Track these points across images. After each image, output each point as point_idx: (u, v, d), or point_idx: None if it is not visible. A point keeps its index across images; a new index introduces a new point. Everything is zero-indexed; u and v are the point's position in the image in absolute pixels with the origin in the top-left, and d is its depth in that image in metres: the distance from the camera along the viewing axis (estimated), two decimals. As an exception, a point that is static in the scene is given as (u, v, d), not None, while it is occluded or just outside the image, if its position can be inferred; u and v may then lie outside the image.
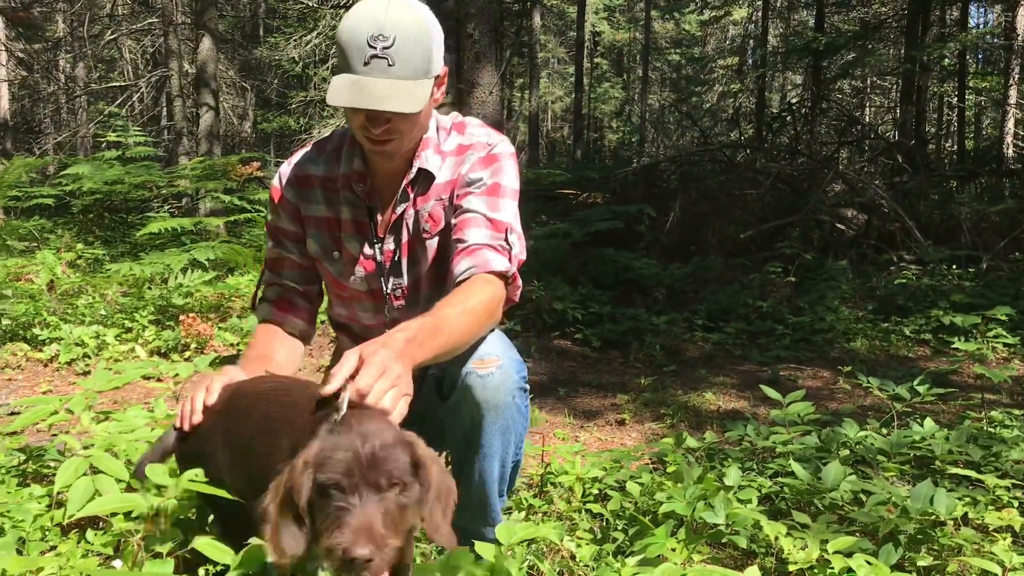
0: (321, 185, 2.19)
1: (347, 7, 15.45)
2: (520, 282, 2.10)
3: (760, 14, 23.33)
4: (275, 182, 2.28)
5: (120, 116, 14.70)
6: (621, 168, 11.08)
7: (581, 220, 7.61)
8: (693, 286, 7.08)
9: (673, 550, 2.10)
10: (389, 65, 1.89)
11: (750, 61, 28.48)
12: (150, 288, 5.61)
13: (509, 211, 2.08)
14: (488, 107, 6.59)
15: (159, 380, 4.29)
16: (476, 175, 2.10)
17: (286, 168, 2.26)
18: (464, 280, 2.00)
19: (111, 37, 15.54)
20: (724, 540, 2.34)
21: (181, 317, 4.76)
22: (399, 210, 2.13)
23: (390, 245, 2.16)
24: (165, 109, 18.67)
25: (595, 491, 2.74)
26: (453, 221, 2.10)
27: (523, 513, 2.67)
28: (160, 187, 8.22)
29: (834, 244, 8.25)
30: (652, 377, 4.95)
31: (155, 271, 5.57)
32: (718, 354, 5.68)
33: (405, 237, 2.15)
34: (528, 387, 2.06)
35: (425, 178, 2.12)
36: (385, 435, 1.42)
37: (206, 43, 9.09)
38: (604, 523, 2.57)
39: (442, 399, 2.07)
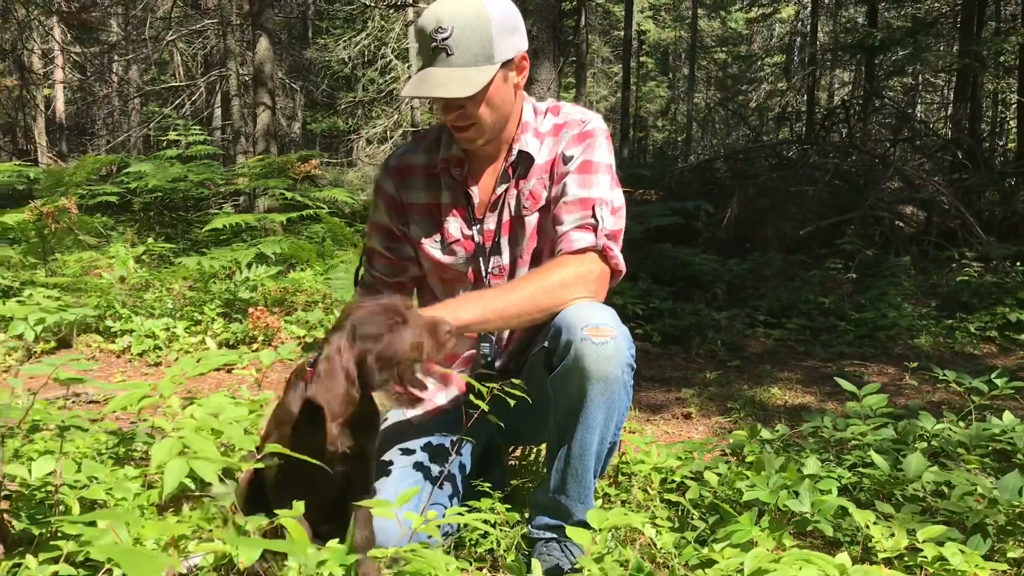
0: (422, 173, 2.30)
1: (395, 7, 15.51)
2: (615, 252, 2.13)
3: (808, 11, 23.06)
4: (377, 176, 2.40)
5: (173, 117, 14.96)
6: (668, 167, 11.05)
7: (638, 216, 7.60)
8: (752, 282, 7.03)
9: (757, 539, 2.10)
10: (448, 55, 2.00)
11: (797, 59, 28.16)
12: (215, 282, 5.73)
13: (601, 185, 2.15)
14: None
15: (230, 371, 4.40)
16: (570, 152, 2.19)
17: (388, 161, 2.38)
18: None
19: (170, 38, 15.81)
20: (809, 528, 2.33)
21: (250, 310, 4.84)
22: (499, 191, 2.20)
23: (490, 225, 2.24)
24: (218, 110, 18.98)
25: (676, 479, 2.74)
26: (552, 206, 2.18)
27: (599, 501, 2.68)
28: (219, 185, 8.36)
29: (894, 241, 8.13)
30: (717, 372, 4.93)
31: (222, 265, 5.68)
32: (781, 350, 5.63)
33: (506, 217, 2.23)
34: (635, 366, 2.07)
35: (526, 160, 2.20)
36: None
37: (263, 43, 9.22)
38: (682, 512, 2.57)
39: (550, 371, 2.07)
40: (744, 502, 2.41)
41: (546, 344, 2.08)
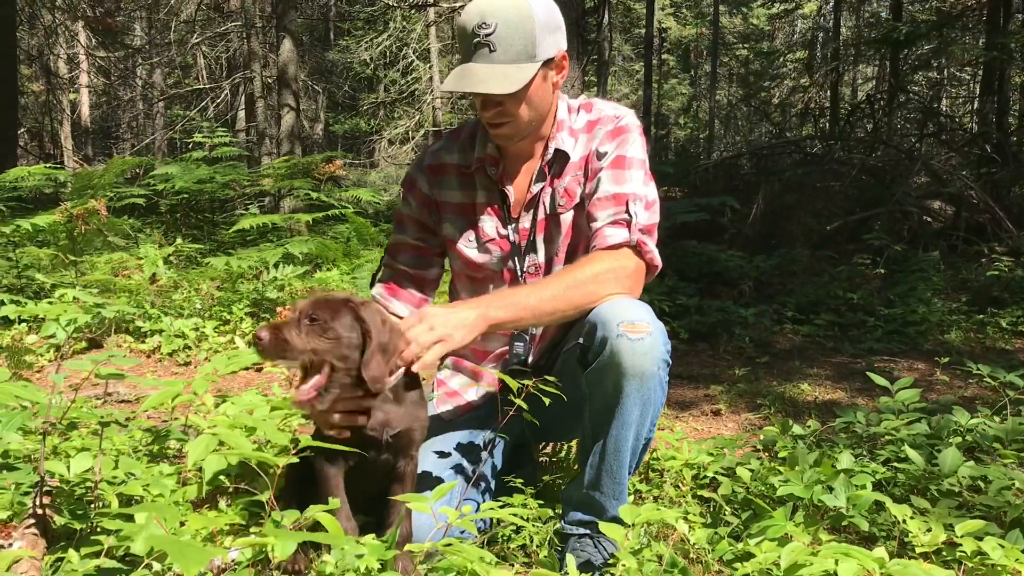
0: (456, 172, 2.30)
1: (419, 7, 15.54)
2: (650, 247, 2.12)
3: (831, 6, 22.88)
4: (409, 172, 2.40)
5: (198, 120, 15.08)
6: (691, 164, 11.00)
7: (663, 213, 7.57)
8: (779, 278, 6.99)
9: (792, 533, 2.09)
10: (491, 51, 2.00)
11: (819, 54, 27.95)
12: (243, 282, 5.76)
13: (635, 181, 2.15)
14: (569, 101, 6.58)
15: (259, 370, 4.43)
16: (604, 148, 2.19)
17: (421, 159, 2.37)
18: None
19: (194, 42, 15.94)
20: (844, 523, 2.31)
21: (278, 309, 4.87)
22: (535, 189, 2.20)
23: (525, 224, 2.24)
24: (242, 112, 19.11)
25: (708, 475, 2.72)
26: (587, 202, 2.18)
27: (631, 498, 2.67)
28: (244, 186, 8.41)
29: (922, 236, 8.05)
30: (745, 368, 4.91)
31: (249, 265, 5.71)
32: (809, 346, 5.60)
33: (541, 215, 2.23)
34: (671, 362, 2.06)
35: (561, 158, 2.20)
36: (332, 300, 1.87)
37: (287, 45, 9.28)
38: (714, 508, 2.56)
39: (584, 368, 2.07)
40: (777, 498, 2.40)
41: (580, 340, 2.08)
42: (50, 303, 4.92)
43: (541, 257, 2.29)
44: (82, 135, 24.32)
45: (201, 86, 18.47)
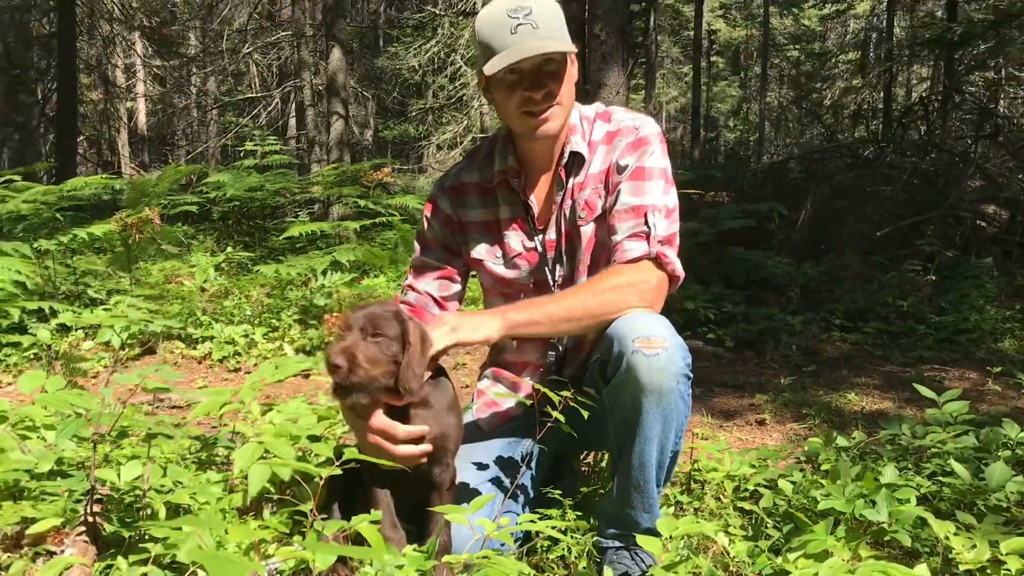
0: (478, 190, 2.32)
1: (466, 14, 15.63)
2: (671, 258, 2.13)
3: (884, 6, 22.49)
4: (431, 194, 2.41)
5: (250, 128, 15.34)
6: (740, 167, 10.89)
7: (709, 218, 7.53)
8: (828, 285, 6.90)
9: (832, 548, 2.07)
10: (534, 28, 2.05)
11: (872, 55, 27.49)
12: (292, 289, 5.87)
13: (653, 192, 2.16)
14: (615, 108, 6.59)
15: (307, 376, 4.50)
16: (625, 161, 2.20)
17: (442, 181, 2.39)
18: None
19: (246, 51, 16.23)
20: (886, 539, 2.29)
21: (325, 316, 4.95)
22: (557, 199, 2.22)
23: (551, 235, 2.26)
24: (293, 119, 19.39)
25: (749, 487, 2.71)
26: (607, 215, 2.19)
27: (671, 509, 2.67)
28: (294, 193, 8.55)
29: (975, 241, 7.88)
30: (791, 377, 4.86)
31: (298, 273, 5.81)
32: (858, 355, 5.52)
33: (563, 226, 2.24)
34: (692, 375, 2.05)
35: (578, 162, 2.21)
36: (381, 309, 1.92)
37: (336, 54, 9.40)
38: (755, 521, 2.55)
39: (605, 382, 2.08)
40: (819, 511, 2.37)
41: (599, 355, 2.09)
42: (105, 310, 5.08)
43: (567, 269, 2.30)
44: (138, 142, 24.88)
45: (253, 94, 18.78)
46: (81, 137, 20.03)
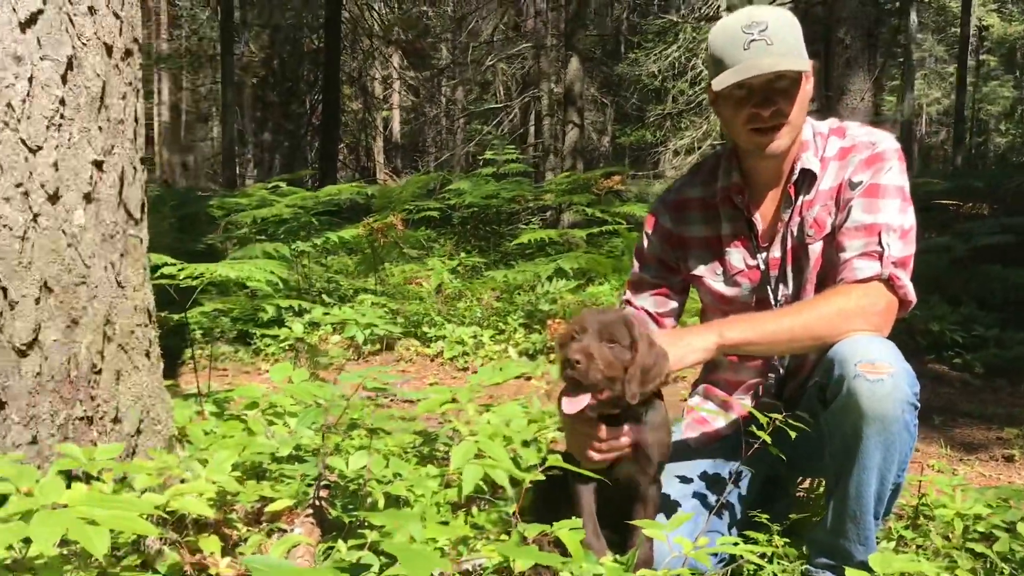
0: (700, 206, 2.30)
1: (709, 19, 15.43)
2: (904, 281, 2.01)
3: None
4: (651, 209, 2.42)
5: (492, 135, 15.98)
6: (1011, 175, 9.93)
7: (963, 234, 6.96)
8: (1102, 308, 6.18)
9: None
10: (768, 44, 2.00)
11: None
12: (519, 294, 6.07)
13: (889, 210, 2.04)
14: (859, 114, 6.28)
15: (529, 379, 4.64)
16: (858, 177, 2.10)
17: (663, 196, 2.39)
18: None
19: (488, 63, 16.92)
20: None
21: (548, 322, 5.08)
22: (784, 217, 2.16)
23: (776, 253, 2.20)
24: (533, 127, 19.98)
25: (979, 529, 2.50)
26: (837, 233, 2.10)
27: (893, 544, 2.51)
28: (528, 201, 8.81)
29: None
30: (1050, 410, 4.41)
31: (525, 278, 6.01)
32: None
33: (789, 244, 2.18)
34: (919, 404, 1.94)
35: (809, 180, 2.14)
36: (614, 317, 1.96)
37: (574, 63, 9.60)
38: (988, 565, 2.35)
39: (824, 406, 2.01)
40: (1063, 563, 2.16)
41: (819, 378, 2.01)
42: (351, 307, 5.50)
43: (790, 288, 2.23)
44: (392, 149, 26.58)
45: (495, 104, 19.52)
46: (342, 144, 21.72)
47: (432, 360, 5.24)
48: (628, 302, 2.43)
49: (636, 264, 2.44)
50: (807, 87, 2.10)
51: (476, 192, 8.25)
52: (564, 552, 1.82)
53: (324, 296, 5.93)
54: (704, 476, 2.31)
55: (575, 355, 1.86)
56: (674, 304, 2.41)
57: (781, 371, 2.33)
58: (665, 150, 21.00)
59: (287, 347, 5.11)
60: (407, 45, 22.29)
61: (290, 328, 5.16)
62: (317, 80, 20.68)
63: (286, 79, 22.77)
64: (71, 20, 1.80)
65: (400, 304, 5.72)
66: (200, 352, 4.98)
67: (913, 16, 19.02)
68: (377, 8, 20.66)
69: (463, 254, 7.07)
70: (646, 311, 2.39)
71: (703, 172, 2.35)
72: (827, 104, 6.24)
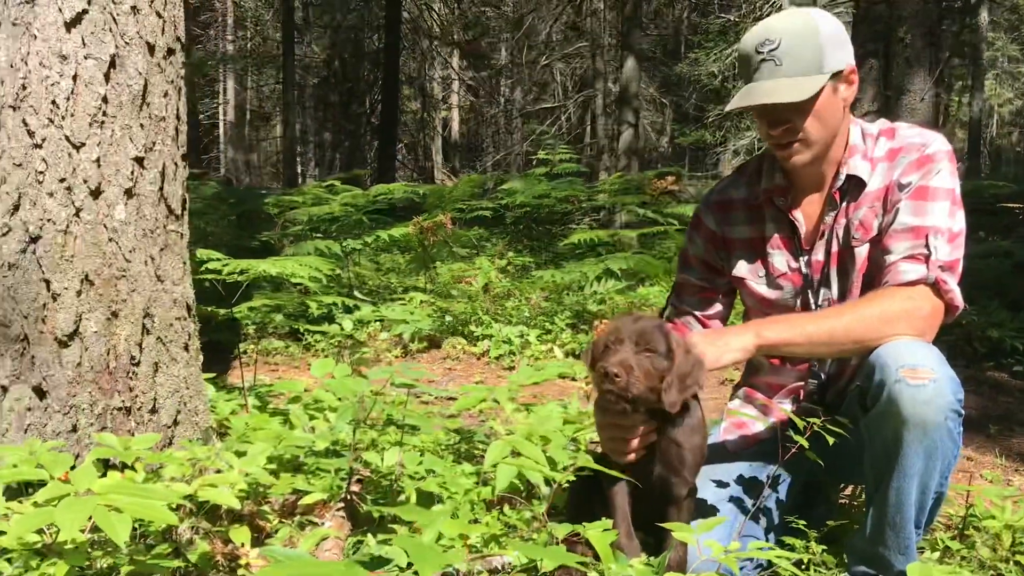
0: (743, 207, 2.28)
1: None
2: (951, 285, 1.96)
3: None
4: (697, 209, 2.41)
5: (549, 135, 15.97)
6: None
7: (1027, 237, 6.75)
8: None
9: None
10: (776, 65, 1.98)
11: None
12: (568, 294, 6.05)
13: (937, 213, 1.99)
14: (918, 114, 6.12)
15: (573, 379, 4.63)
16: (907, 179, 2.05)
17: (707, 197, 2.37)
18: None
19: (544, 63, 16.94)
20: None
21: (595, 323, 5.05)
22: (828, 219, 2.13)
23: (819, 256, 2.17)
24: (589, 127, 19.94)
25: (1028, 542, 2.42)
26: (883, 235, 2.06)
27: (937, 554, 2.45)
28: (581, 201, 8.79)
29: None
30: (1112, 422, 4.24)
31: (573, 279, 5.99)
32: None
33: (835, 247, 2.15)
34: (963, 412, 1.89)
35: (856, 185, 2.10)
36: (650, 324, 1.93)
37: (630, 63, 9.55)
38: (1038, 579, 2.28)
39: (864, 411, 1.97)
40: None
41: (859, 383, 1.97)
42: (401, 305, 5.56)
43: (835, 292, 2.19)
44: (450, 149, 26.77)
45: (551, 104, 19.52)
46: (400, 144, 21.92)
47: (478, 359, 5.26)
48: (673, 305, 2.42)
49: (681, 267, 2.43)
50: (833, 97, 2.04)
51: (528, 192, 8.25)
52: (595, 554, 1.81)
53: (376, 293, 6.00)
54: (741, 480, 2.28)
55: (613, 367, 1.84)
56: (720, 307, 2.39)
57: (823, 376, 2.29)
58: (724, 150, 20.82)
59: (336, 343, 5.17)
60: (466, 45, 22.42)
61: (340, 325, 5.24)
62: (377, 80, 20.91)
63: (347, 79, 23.09)
64: (114, 19, 1.85)
65: (449, 303, 5.75)
66: (252, 347, 5.06)
67: (984, 15, 18.50)
68: (436, 9, 20.82)
69: (512, 253, 7.08)
70: (691, 314, 2.37)
71: (747, 173, 2.33)
72: (885, 104, 6.10)
